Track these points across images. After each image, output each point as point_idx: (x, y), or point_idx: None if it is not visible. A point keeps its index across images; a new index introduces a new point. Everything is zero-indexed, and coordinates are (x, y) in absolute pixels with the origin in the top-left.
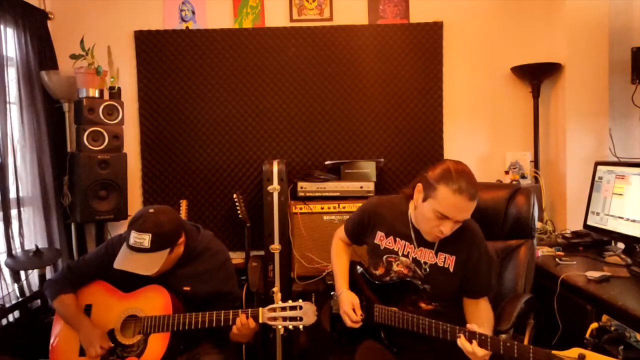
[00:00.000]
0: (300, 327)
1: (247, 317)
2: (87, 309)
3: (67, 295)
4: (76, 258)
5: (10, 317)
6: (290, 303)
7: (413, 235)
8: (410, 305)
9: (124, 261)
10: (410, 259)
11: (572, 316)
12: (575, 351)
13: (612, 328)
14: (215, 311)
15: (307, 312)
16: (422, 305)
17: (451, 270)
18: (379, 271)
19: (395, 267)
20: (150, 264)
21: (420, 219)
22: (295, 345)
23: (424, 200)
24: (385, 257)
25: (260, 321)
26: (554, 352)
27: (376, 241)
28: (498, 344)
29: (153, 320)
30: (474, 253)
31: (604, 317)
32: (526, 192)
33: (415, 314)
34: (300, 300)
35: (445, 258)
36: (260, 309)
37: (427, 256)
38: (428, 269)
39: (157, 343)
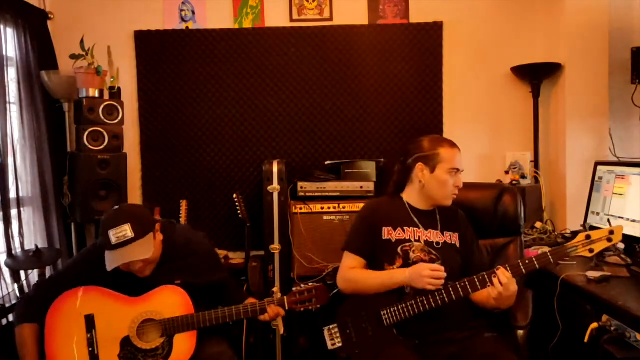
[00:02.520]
0: (316, 307)
1: (277, 306)
2: (90, 319)
3: (30, 326)
4: None
5: (10, 317)
6: (305, 287)
7: (417, 220)
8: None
9: (114, 261)
10: (423, 242)
11: (572, 316)
12: (582, 235)
13: (612, 328)
14: (241, 305)
15: (320, 294)
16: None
17: (458, 246)
18: (397, 264)
19: (412, 255)
20: (143, 249)
21: (437, 190)
22: (296, 345)
23: (432, 171)
24: (399, 248)
25: (287, 308)
26: (567, 244)
27: (385, 237)
28: (519, 268)
29: (175, 321)
30: (468, 232)
31: (604, 317)
32: (512, 192)
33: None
34: (311, 284)
35: (450, 235)
36: (285, 297)
37: (436, 236)
38: (441, 245)
39: (185, 343)
